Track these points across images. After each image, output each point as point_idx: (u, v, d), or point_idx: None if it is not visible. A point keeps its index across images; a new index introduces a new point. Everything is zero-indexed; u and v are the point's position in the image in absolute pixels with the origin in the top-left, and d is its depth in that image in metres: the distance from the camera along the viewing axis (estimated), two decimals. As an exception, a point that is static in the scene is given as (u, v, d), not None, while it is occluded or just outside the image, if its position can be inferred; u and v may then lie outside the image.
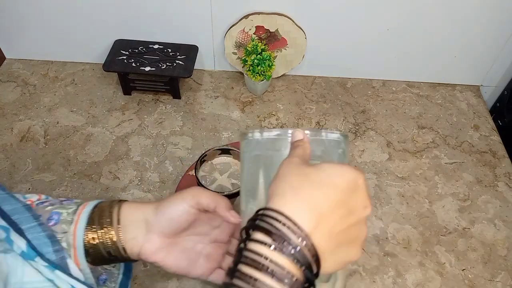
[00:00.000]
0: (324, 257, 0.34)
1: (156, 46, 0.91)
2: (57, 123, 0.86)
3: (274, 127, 0.87)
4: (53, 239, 0.41)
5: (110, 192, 0.75)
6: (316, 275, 0.34)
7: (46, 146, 0.82)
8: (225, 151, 0.68)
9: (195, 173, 0.65)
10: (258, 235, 0.33)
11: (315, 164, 0.36)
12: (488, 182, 0.80)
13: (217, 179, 0.67)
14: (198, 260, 0.48)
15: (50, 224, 0.43)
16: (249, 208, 0.43)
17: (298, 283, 0.32)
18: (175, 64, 0.88)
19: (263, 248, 0.32)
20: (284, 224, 0.33)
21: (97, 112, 0.88)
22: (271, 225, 0.33)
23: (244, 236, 0.35)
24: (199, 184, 0.63)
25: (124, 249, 0.44)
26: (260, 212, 0.35)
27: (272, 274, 0.31)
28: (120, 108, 0.89)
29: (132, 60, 0.88)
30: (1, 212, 0.41)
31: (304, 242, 0.32)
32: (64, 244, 0.42)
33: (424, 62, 0.95)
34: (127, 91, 0.91)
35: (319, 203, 0.34)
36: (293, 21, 0.86)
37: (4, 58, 0.98)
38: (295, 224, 0.33)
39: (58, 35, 0.93)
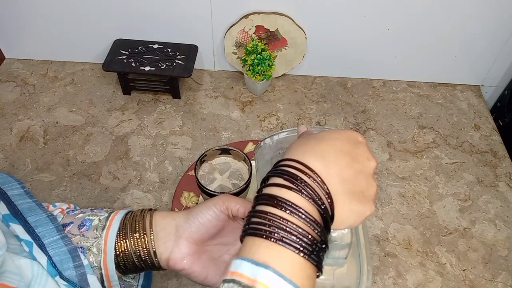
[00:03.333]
0: (337, 200, 0.36)
1: (155, 46, 0.91)
2: (57, 123, 0.86)
3: (274, 127, 0.87)
4: (74, 254, 0.42)
5: (110, 192, 0.75)
6: (332, 218, 0.36)
7: (46, 146, 0.82)
8: (225, 151, 0.68)
9: (195, 173, 0.64)
10: (270, 180, 0.37)
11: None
12: (488, 182, 0.80)
13: (217, 179, 0.67)
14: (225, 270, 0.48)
15: (82, 230, 0.44)
16: None
17: (314, 221, 0.35)
18: (174, 64, 0.87)
19: (274, 188, 0.36)
20: (292, 166, 0.36)
21: (97, 112, 0.88)
22: (281, 169, 0.37)
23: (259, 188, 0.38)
24: (199, 184, 0.63)
25: (155, 253, 0.45)
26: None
27: (286, 208, 0.34)
28: (120, 108, 0.89)
29: (132, 60, 0.88)
30: (26, 224, 0.41)
31: (313, 179, 0.35)
32: (94, 250, 0.43)
33: (424, 61, 0.94)
34: (126, 91, 0.91)
35: (324, 150, 0.38)
36: (293, 21, 0.86)
37: (4, 58, 0.98)
38: (302, 164, 0.36)
39: (58, 34, 0.93)
